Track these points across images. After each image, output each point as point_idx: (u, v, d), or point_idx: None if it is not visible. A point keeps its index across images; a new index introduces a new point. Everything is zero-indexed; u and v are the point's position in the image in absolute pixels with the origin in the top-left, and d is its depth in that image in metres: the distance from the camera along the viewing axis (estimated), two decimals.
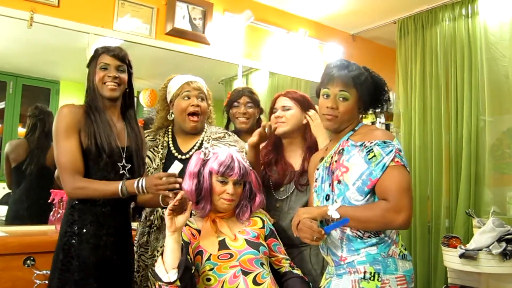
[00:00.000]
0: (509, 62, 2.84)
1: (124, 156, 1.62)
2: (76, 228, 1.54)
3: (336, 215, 1.35)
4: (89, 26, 2.56)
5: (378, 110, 1.61)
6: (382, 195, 1.37)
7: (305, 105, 1.91)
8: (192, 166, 1.60)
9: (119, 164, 1.61)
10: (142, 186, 1.48)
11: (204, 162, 1.58)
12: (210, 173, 1.56)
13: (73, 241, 1.52)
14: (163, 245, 1.52)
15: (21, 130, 2.49)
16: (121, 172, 1.61)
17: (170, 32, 2.89)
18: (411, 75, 3.41)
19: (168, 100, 1.91)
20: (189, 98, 1.85)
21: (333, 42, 3.74)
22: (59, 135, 1.54)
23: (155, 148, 1.89)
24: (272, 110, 1.94)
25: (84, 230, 1.53)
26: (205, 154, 1.60)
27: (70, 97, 2.64)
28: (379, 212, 1.34)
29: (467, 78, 3.02)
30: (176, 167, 1.42)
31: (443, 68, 3.19)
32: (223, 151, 1.61)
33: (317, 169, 1.56)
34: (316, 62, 3.69)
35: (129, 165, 1.64)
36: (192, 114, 1.85)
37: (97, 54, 1.65)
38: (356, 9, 3.49)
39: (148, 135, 1.94)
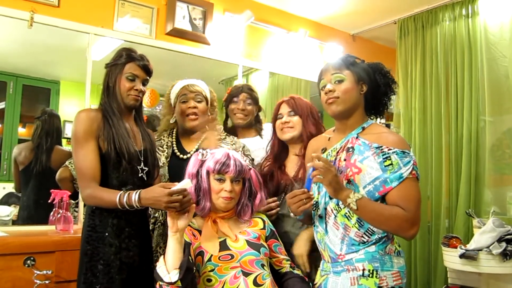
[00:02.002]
0: (509, 62, 2.84)
1: (142, 159, 1.64)
2: (98, 232, 1.55)
3: (354, 207, 1.34)
4: (89, 26, 2.56)
5: (390, 95, 1.57)
6: (395, 204, 1.37)
7: (305, 113, 1.89)
8: (191, 167, 1.61)
9: (138, 167, 1.62)
10: (135, 200, 1.44)
11: (202, 163, 1.60)
12: (208, 172, 1.57)
13: (96, 245, 1.54)
14: (166, 242, 1.53)
15: (21, 130, 2.49)
16: (140, 175, 1.63)
17: (170, 32, 2.89)
18: (411, 75, 3.41)
19: (172, 105, 1.99)
20: (187, 101, 1.92)
21: (333, 42, 3.74)
22: (77, 141, 1.54)
23: (160, 148, 1.94)
24: (276, 117, 1.94)
25: (106, 234, 1.55)
26: (202, 154, 1.61)
27: (70, 97, 2.65)
28: (397, 219, 1.35)
29: (467, 78, 3.02)
30: (185, 184, 1.38)
31: (443, 68, 3.19)
32: (220, 150, 1.62)
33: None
34: (316, 62, 3.68)
35: (146, 168, 1.66)
36: (191, 114, 1.91)
37: (123, 59, 1.64)
38: (356, 9, 3.49)
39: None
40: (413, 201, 1.37)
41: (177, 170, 1.71)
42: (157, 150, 1.91)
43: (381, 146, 1.41)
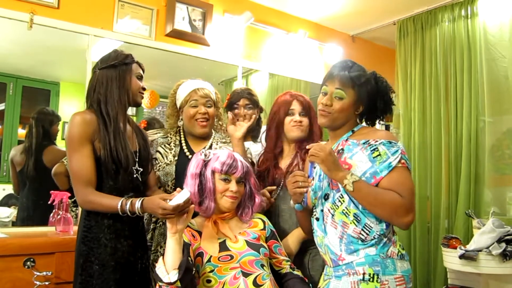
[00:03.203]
0: (509, 63, 2.84)
1: (137, 160, 1.64)
2: (93, 233, 1.55)
3: (350, 188, 1.35)
4: (89, 27, 2.57)
5: (382, 118, 1.58)
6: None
7: (314, 114, 1.89)
8: (193, 167, 1.60)
9: (133, 168, 1.62)
10: (138, 208, 1.46)
11: (205, 163, 1.59)
12: (213, 172, 1.57)
13: (92, 245, 1.54)
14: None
15: (21, 132, 2.49)
16: (135, 175, 1.63)
17: (170, 33, 2.90)
18: (411, 76, 3.41)
19: (178, 106, 1.96)
20: (196, 106, 1.89)
21: (333, 43, 3.74)
22: (72, 145, 1.53)
23: (167, 145, 1.92)
24: (287, 112, 1.90)
25: (101, 235, 1.55)
26: (205, 155, 1.61)
27: (70, 99, 2.65)
28: (392, 204, 1.36)
29: (467, 79, 3.03)
30: (183, 196, 1.39)
31: (443, 69, 3.20)
32: (222, 151, 1.62)
33: (314, 167, 1.56)
34: (315, 63, 3.69)
35: (141, 169, 1.66)
36: (201, 120, 1.89)
37: (129, 60, 1.65)
38: (355, 10, 3.49)
39: (159, 132, 1.98)
40: (406, 188, 1.37)
41: (184, 169, 1.70)
42: (164, 147, 1.91)
43: (368, 140, 1.43)
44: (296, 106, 1.90)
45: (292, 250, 1.75)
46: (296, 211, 1.58)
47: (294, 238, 1.77)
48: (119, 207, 1.47)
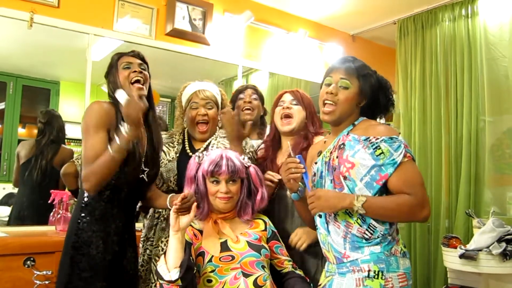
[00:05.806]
0: (509, 62, 2.84)
1: (143, 160, 1.65)
2: (85, 227, 1.55)
3: (362, 211, 1.35)
4: (89, 26, 2.57)
5: (384, 114, 1.58)
6: (400, 191, 1.37)
7: (308, 106, 1.89)
8: (189, 171, 1.62)
9: (139, 168, 1.63)
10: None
11: (199, 166, 1.60)
12: (203, 175, 1.58)
13: (84, 239, 1.54)
14: (168, 236, 1.55)
15: (21, 131, 2.50)
16: (140, 176, 1.64)
17: (170, 32, 2.90)
18: (411, 76, 3.41)
19: (183, 108, 1.98)
20: (196, 108, 1.90)
21: (333, 42, 3.74)
22: (89, 130, 1.53)
23: (171, 144, 1.94)
24: (277, 104, 1.92)
25: (94, 229, 1.55)
26: (199, 157, 1.62)
27: (70, 98, 2.65)
28: (405, 207, 1.36)
29: (467, 79, 3.03)
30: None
31: (443, 68, 3.20)
32: (215, 151, 1.62)
33: (315, 163, 1.55)
34: (316, 62, 3.69)
35: (147, 169, 1.66)
36: (201, 122, 1.90)
37: (115, 58, 1.67)
38: (356, 10, 3.49)
39: (165, 134, 2.00)
40: (416, 183, 1.37)
41: (185, 166, 1.72)
42: (167, 146, 1.92)
43: (369, 137, 1.41)
44: (286, 97, 1.90)
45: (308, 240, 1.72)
46: (295, 202, 1.58)
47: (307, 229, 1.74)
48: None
